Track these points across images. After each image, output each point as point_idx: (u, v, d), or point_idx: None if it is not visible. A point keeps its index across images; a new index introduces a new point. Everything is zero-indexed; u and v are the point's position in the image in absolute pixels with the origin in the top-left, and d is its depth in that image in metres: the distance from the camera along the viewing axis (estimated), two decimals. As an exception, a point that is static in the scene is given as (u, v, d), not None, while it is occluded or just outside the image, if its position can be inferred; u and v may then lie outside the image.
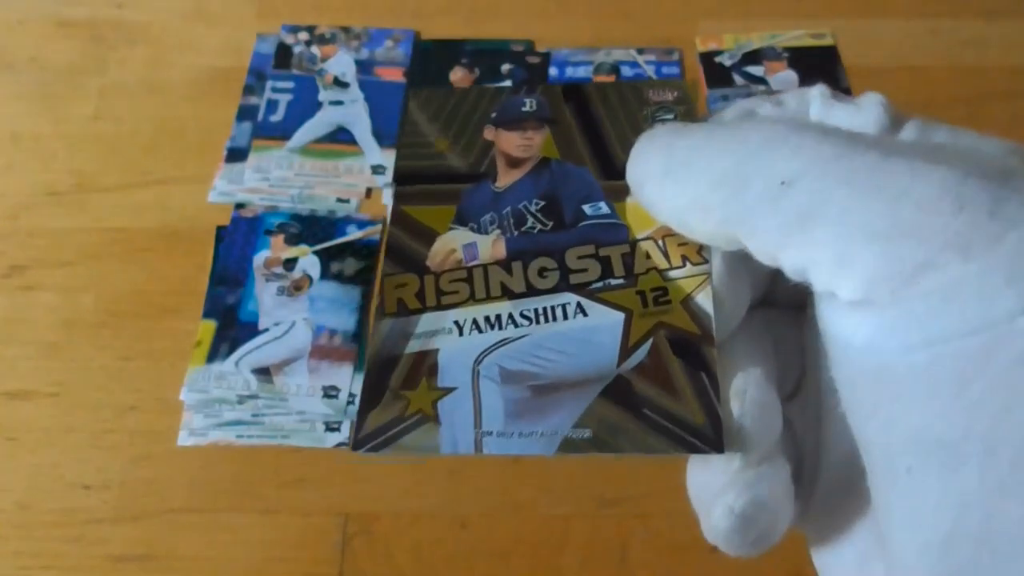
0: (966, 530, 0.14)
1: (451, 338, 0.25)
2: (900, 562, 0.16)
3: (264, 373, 0.50)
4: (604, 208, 0.27)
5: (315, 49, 0.63)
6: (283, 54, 0.63)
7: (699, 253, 0.23)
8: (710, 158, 0.19)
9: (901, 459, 0.16)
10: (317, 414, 0.49)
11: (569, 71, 0.62)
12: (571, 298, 0.25)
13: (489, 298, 0.25)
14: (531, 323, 0.25)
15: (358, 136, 0.59)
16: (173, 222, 0.56)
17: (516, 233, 0.26)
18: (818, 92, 0.21)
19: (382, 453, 0.24)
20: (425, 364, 0.24)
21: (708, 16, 0.65)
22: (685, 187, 0.20)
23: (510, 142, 0.29)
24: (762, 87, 0.61)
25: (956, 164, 0.16)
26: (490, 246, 0.26)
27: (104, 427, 0.49)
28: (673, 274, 0.24)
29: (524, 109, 0.30)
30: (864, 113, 0.20)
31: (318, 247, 0.55)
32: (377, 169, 0.58)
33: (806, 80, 0.61)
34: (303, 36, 0.64)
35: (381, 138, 0.59)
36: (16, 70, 0.63)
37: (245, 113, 0.60)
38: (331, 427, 0.49)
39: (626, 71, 0.62)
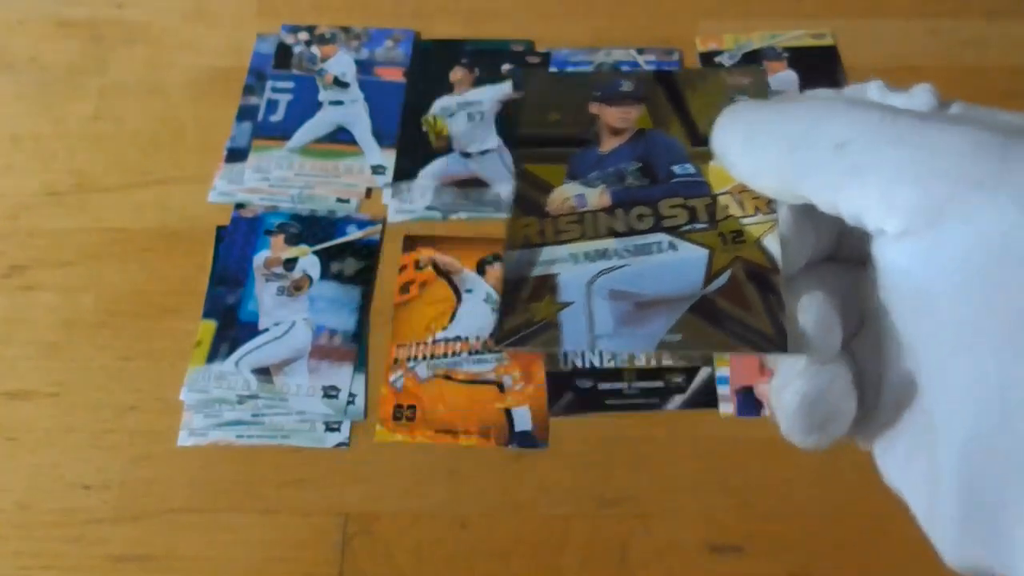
0: (990, 396, 0.19)
1: (568, 265, 0.31)
2: (944, 437, 0.20)
3: (264, 373, 0.50)
4: (691, 169, 0.33)
5: (315, 49, 0.63)
6: (283, 54, 0.63)
7: (768, 205, 0.29)
8: (780, 130, 0.24)
9: (942, 355, 0.20)
10: (317, 414, 0.49)
11: (569, 71, 0.62)
12: (664, 237, 0.31)
13: (597, 236, 0.32)
14: (631, 255, 0.31)
15: (358, 136, 0.59)
16: (173, 222, 0.56)
17: (619, 186, 0.33)
18: (875, 85, 0.26)
19: (516, 349, 0.31)
20: (547, 284, 0.30)
21: (708, 16, 0.65)
22: (760, 154, 0.25)
23: (612, 115, 0.35)
24: (762, 87, 0.61)
25: (978, 125, 0.20)
26: (597, 197, 0.33)
27: (104, 427, 0.49)
28: (747, 221, 0.30)
29: (623, 88, 0.36)
30: (916, 99, 0.24)
31: (318, 247, 0.55)
32: (377, 169, 0.58)
33: (806, 80, 0.61)
34: (303, 36, 0.64)
35: (381, 138, 0.59)
36: (16, 70, 0.63)
37: (245, 113, 0.60)
38: (331, 427, 0.49)
39: (626, 71, 0.62)
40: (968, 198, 0.19)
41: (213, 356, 0.50)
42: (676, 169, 0.33)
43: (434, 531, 0.46)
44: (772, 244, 0.29)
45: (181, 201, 0.56)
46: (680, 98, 0.35)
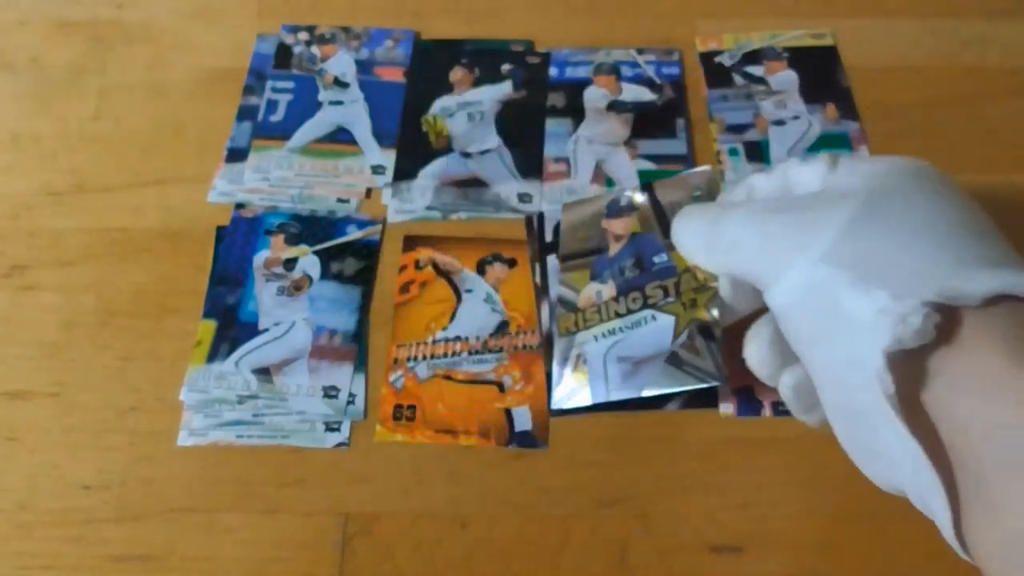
0: (815, 376, 0.34)
1: (591, 344, 0.47)
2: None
3: (264, 373, 0.50)
4: (665, 257, 0.47)
5: (315, 49, 0.63)
6: (283, 54, 0.63)
7: (713, 278, 0.42)
8: (702, 233, 0.40)
9: (801, 355, 0.35)
10: (317, 414, 0.49)
11: (569, 71, 0.62)
12: (649, 312, 0.46)
13: (608, 319, 0.47)
14: (630, 329, 0.46)
15: (358, 136, 0.59)
16: (173, 222, 0.56)
17: (621, 279, 0.48)
18: (794, 160, 0.39)
19: (565, 406, 0.46)
20: (580, 359, 0.47)
21: (708, 16, 0.65)
22: (694, 249, 0.42)
23: (615, 226, 0.51)
24: (762, 87, 0.61)
25: (791, 212, 0.35)
26: (607, 290, 0.48)
27: (104, 427, 0.49)
28: (700, 290, 0.44)
29: (622, 204, 0.51)
30: (815, 165, 0.37)
31: (318, 247, 0.55)
32: (377, 169, 0.58)
33: (806, 80, 0.61)
34: (303, 36, 0.64)
35: (381, 138, 0.59)
36: (16, 70, 0.63)
37: (245, 113, 0.60)
38: (331, 427, 0.49)
39: (626, 71, 0.62)
40: (791, 262, 0.33)
41: (213, 356, 0.50)
42: (655, 259, 0.47)
43: (434, 531, 0.46)
44: (714, 307, 0.43)
45: (181, 201, 0.56)
46: (657, 202, 0.50)
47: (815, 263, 0.32)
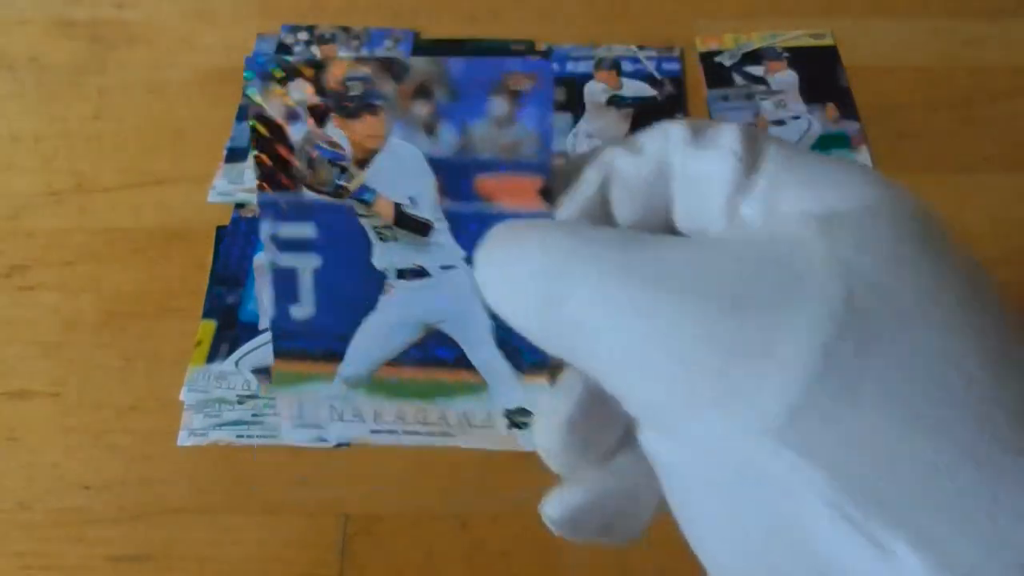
0: (704, 554, 0.22)
1: None
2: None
3: (264, 373, 0.50)
4: None
5: (315, 49, 0.63)
6: (283, 54, 0.63)
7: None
8: (539, 293, 0.20)
9: (687, 528, 0.22)
10: (317, 414, 0.49)
11: (570, 65, 0.62)
12: None
13: None
14: None
15: (358, 136, 0.59)
16: (173, 222, 0.56)
17: None
18: (680, 139, 0.20)
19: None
20: None
21: (708, 16, 0.65)
22: (519, 311, 0.21)
23: None
24: (762, 87, 0.61)
25: (708, 298, 0.18)
26: None
27: (104, 427, 0.49)
28: None
29: None
30: (720, 161, 0.19)
31: (318, 247, 0.55)
32: (377, 169, 0.58)
33: (806, 80, 0.61)
34: (303, 36, 0.64)
35: (381, 138, 0.59)
36: (16, 70, 0.63)
37: (245, 113, 0.60)
38: (331, 427, 0.49)
39: (627, 66, 0.62)
40: (707, 416, 0.18)
41: (213, 356, 0.50)
42: None
43: (434, 531, 0.46)
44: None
45: (181, 201, 0.56)
46: None
47: (761, 436, 0.17)
